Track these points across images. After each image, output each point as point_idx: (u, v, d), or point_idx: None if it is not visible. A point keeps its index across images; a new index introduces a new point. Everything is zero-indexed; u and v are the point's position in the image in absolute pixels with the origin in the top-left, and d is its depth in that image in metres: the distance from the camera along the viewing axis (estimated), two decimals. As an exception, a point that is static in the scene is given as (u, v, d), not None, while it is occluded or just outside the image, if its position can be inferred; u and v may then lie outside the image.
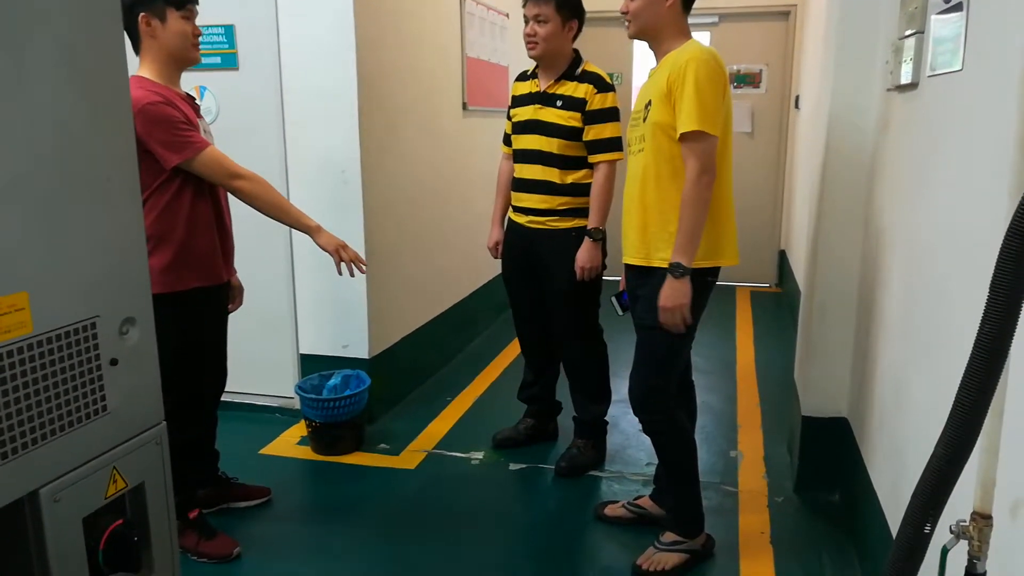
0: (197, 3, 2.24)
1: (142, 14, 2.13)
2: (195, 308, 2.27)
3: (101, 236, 1.22)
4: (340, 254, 2.33)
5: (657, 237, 2.17)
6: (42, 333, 1.11)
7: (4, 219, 1.05)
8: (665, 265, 2.12)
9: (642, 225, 2.21)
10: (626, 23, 2.21)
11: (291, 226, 2.41)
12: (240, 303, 2.60)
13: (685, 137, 2.07)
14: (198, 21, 2.25)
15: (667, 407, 2.29)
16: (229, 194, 2.34)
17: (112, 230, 1.24)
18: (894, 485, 2.03)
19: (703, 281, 2.19)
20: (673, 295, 2.10)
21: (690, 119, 2.04)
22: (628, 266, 2.31)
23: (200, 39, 2.26)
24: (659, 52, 2.21)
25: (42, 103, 1.10)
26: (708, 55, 2.08)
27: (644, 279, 2.23)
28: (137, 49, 2.19)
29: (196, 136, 2.15)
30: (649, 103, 2.16)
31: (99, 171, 1.21)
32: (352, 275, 2.38)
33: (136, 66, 2.20)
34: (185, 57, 2.23)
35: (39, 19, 1.09)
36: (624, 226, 2.31)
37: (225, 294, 2.45)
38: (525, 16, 2.80)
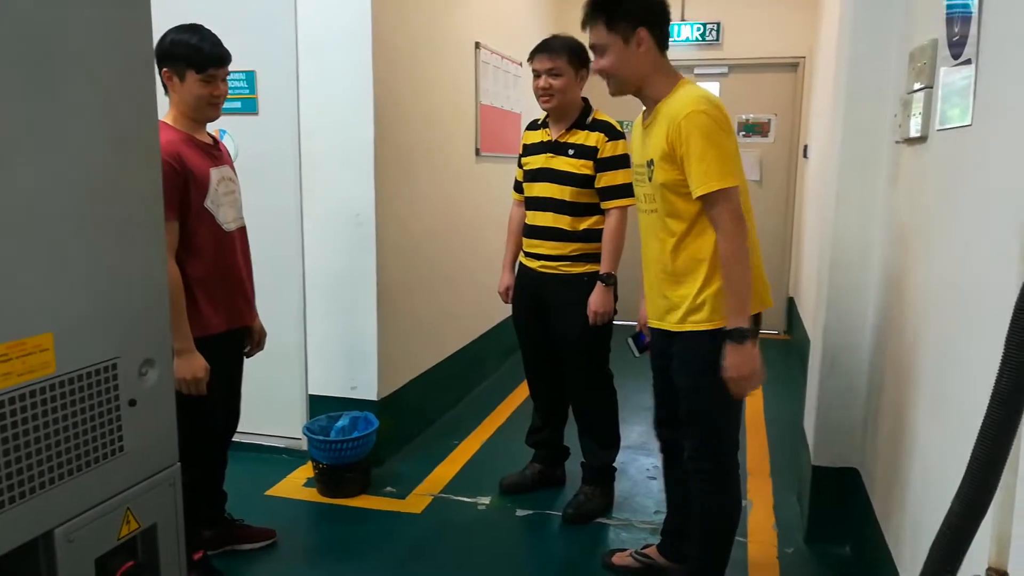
0: (223, 67, 2.25)
1: (164, 69, 2.20)
2: (212, 355, 2.25)
3: (125, 278, 1.24)
4: (188, 384, 2.16)
5: (686, 300, 2.05)
6: (64, 374, 1.13)
7: (32, 260, 1.07)
8: (695, 327, 2.03)
9: (667, 286, 2.10)
10: (606, 81, 2.08)
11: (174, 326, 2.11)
12: (260, 347, 2.60)
13: (707, 199, 1.94)
14: None
15: (726, 477, 2.16)
16: (247, 238, 2.39)
17: (135, 272, 1.26)
18: (907, 539, 2.01)
19: (756, 324, 2.09)
20: (744, 363, 1.94)
21: (708, 179, 1.91)
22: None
23: (223, 100, 2.28)
24: (648, 101, 2.08)
25: (73, 145, 1.13)
26: (704, 104, 1.93)
27: (676, 341, 2.11)
28: (166, 92, 2.25)
29: (166, 207, 2.07)
30: (651, 162, 2.05)
31: (125, 213, 1.23)
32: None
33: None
34: (200, 116, 2.28)
35: (75, 62, 1.12)
36: (645, 282, 2.24)
37: (235, 341, 2.45)
38: (535, 70, 2.84)
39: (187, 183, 2.18)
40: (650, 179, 2.07)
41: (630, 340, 2.50)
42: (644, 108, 2.12)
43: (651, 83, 2.05)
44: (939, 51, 1.93)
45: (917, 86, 2.10)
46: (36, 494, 1.10)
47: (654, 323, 2.20)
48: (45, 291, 1.10)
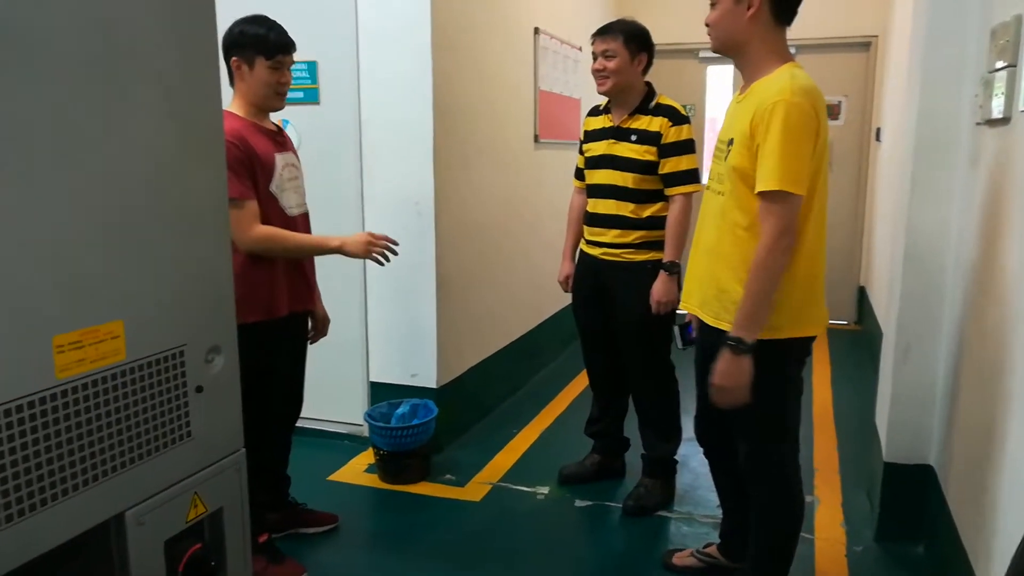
0: (290, 54, 2.30)
1: (234, 57, 2.25)
2: (257, 339, 2.27)
3: (192, 266, 1.27)
4: (373, 253, 2.31)
5: (728, 296, 1.94)
6: (134, 360, 1.16)
7: (103, 249, 1.10)
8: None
9: (714, 278, 1.99)
10: (709, 36, 1.98)
11: (319, 254, 2.43)
12: (323, 334, 2.63)
13: (764, 196, 1.81)
14: None
15: (782, 477, 2.05)
16: (309, 223, 2.41)
17: (202, 260, 1.29)
18: (984, 540, 1.92)
19: (803, 349, 1.98)
20: (731, 374, 1.85)
21: (771, 177, 1.78)
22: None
23: (287, 88, 2.32)
24: (747, 74, 1.95)
25: (141, 137, 1.16)
26: (800, 94, 1.78)
27: (719, 339, 1.95)
28: (232, 83, 2.30)
29: (238, 185, 2.12)
30: (731, 141, 1.92)
31: (191, 203, 1.26)
32: (388, 261, 2.35)
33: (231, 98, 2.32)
34: (267, 105, 2.32)
35: (140, 58, 1.15)
36: (691, 269, 2.12)
37: (298, 325, 2.48)
38: (594, 52, 2.82)
39: (253, 166, 2.22)
40: (726, 158, 1.94)
41: (676, 330, 2.43)
42: (742, 82, 2.01)
43: (751, 53, 1.91)
44: (1026, 27, 1.82)
45: (1000, 64, 1.98)
46: (108, 477, 1.13)
47: (701, 315, 2.07)
48: (116, 280, 1.13)
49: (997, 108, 1.99)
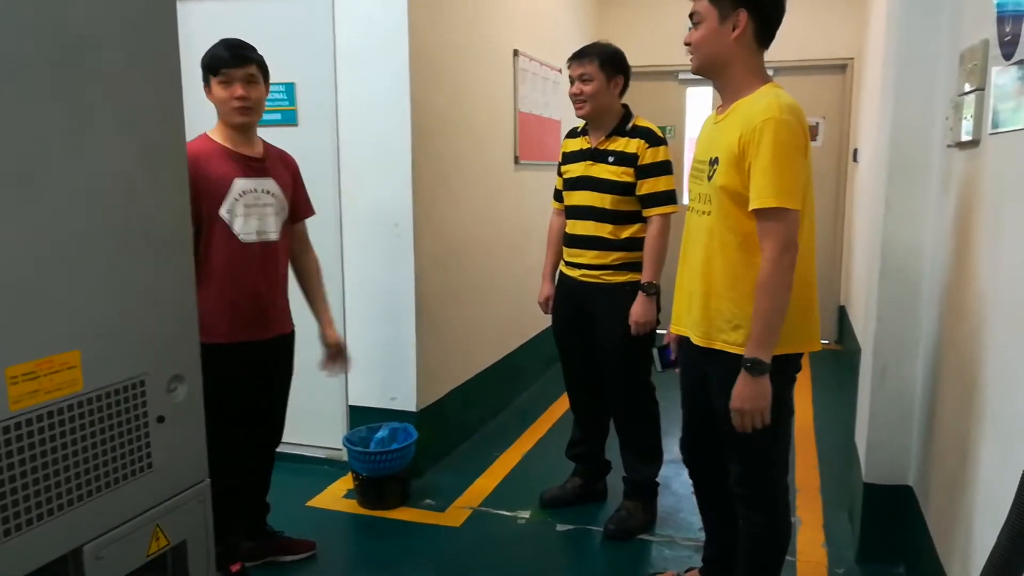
0: (238, 67, 2.27)
1: (203, 83, 2.31)
2: (212, 363, 2.23)
3: (152, 294, 1.24)
4: None
5: (720, 316, 1.93)
6: (92, 391, 1.13)
7: (60, 276, 1.08)
8: (730, 349, 1.91)
9: (704, 298, 1.97)
10: (689, 56, 1.97)
11: None
12: (340, 358, 2.65)
13: (761, 214, 1.80)
14: None
15: (772, 498, 2.04)
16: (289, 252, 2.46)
17: (163, 288, 1.27)
18: (963, 561, 1.91)
19: (795, 366, 1.97)
20: (751, 396, 1.83)
21: (768, 194, 1.77)
22: (684, 338, 2.11)
23: (246, 103, 2.29)
24: (727, 94, 1.96)
25: (102, 162, 1.14)
26: (788, 113, 1.79)
27: (711, 360, 1.99)
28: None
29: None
30: (715, 160, 1.91)
31: (152, 227, 1.24)
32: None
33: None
34: (231, 122, 2.32)
35: (104, 81, 1.13)
36: (679, 291, 2.11)
37: (253, 352, 2.38)
38: (570, 77, 2.84)
39: (196, 188, 2.17)
40: (710, 178, 1.93)
41: (655, 352, 2.42)
42: (720, 103, 2.01)
43: (734, 74, 1.92)
44: (991, 51, 1.84)
45: (968, 88, 2.01)
46: (64, 511, 1.10)
47: (685, 332, 2.07)
48: (72, 307, 1.10)
49: (966, 131, 2.01)
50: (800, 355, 1.98)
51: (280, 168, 2.45)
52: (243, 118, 2.31)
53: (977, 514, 1.82)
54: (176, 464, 1.29)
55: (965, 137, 2.02)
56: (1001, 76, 1.75)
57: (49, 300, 1.07)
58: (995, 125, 1.80)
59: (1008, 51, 1.68)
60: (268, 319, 2.42)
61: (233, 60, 2.27)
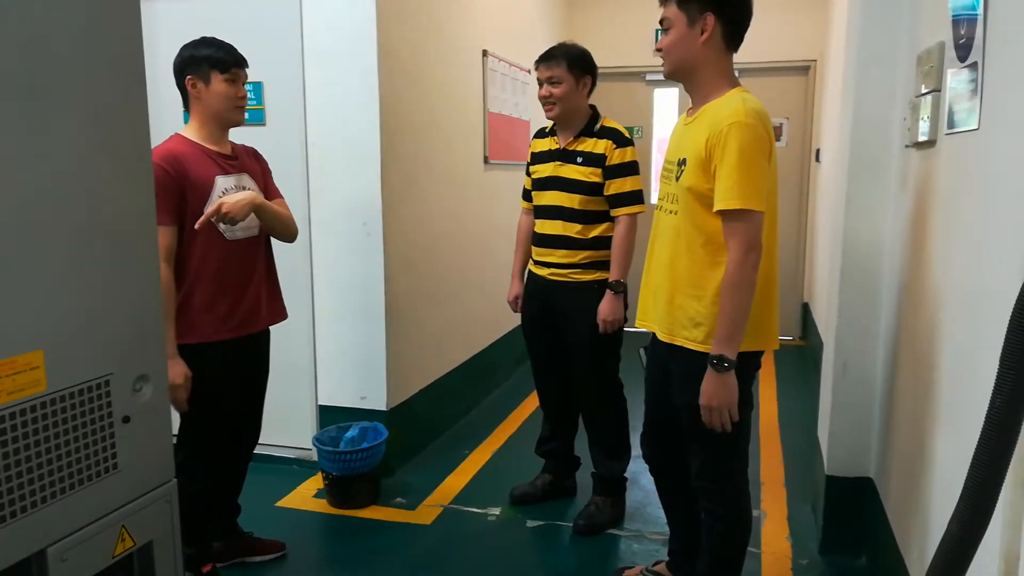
0: (243, 68, 2.34)
1: (189, 76, 2.27)
2: (197, 363, 2.22)
3: (117, 292, 1.24)
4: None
5: (683, 312, 1.98)
6: (55, 391, 1.12)
7: (22, 277, 1.07)
8: (690, 345, 1.96)
9: (669, 294, 2.02)
10: (661, 61, 2.02)
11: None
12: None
13: (726, 215, 1.86)
14: None
15: (733, 491, 2.07)
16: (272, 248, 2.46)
17: (128, 286, 1.26)
18: (921, 550, 1.97)
19: (755, 363, 2.02)
20: (718, 392, 1.88)
21: (732, 195, 1.82)
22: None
23: (245, 102, 2.35)
24: (696, 97, 2.01)
25: (66, 163, 1.13)
26: (753, 117, 1.84)
27: (673, 355, 2.04)
28: (187, 107, 2.32)
29: (161, 211, 1.95)
30: (683, 161, 1.96)
31: (117, 227, 1.23)
32: None
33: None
34: (227, 119, 2.33)
35: (66, 82, 1.12)
36: (644, 287, 2.16)
37: (242, 350, 2.39)
38: (539, 79, 2.85)
39: (183, 189, 2.20)
40: (678, 179, 1.98)
41: (641, 351, 2.44)
42: (691, 105, 2.05)
43: (703, 78, 1.96)
44: (946, 53, 1.89)
45: (925, 89, 2.06)
46: (28, 513, 1.09)
47: (650, 327, 2.12)
48: (34, 307, 1.09)
49: (923, 131, 2.07)
50: (760, 353, 2.03)
51: (251, 162, 2.48)
52: (242, 117, 2.37)
53: (934, 504, 1.87)
54: (142, 464, 1.29)
55: (922, 137, 2.07)
56: (956, 78, 1.81)
57: (11, 300, 1.06)
58: (950, 125, 1.85)
59: (962, 54, 1.74)
60: (257, 313, 2.44)
61: (241, 61, 2.33)
